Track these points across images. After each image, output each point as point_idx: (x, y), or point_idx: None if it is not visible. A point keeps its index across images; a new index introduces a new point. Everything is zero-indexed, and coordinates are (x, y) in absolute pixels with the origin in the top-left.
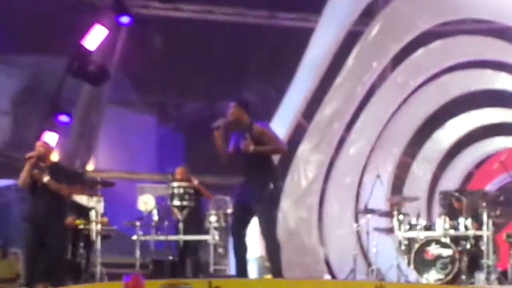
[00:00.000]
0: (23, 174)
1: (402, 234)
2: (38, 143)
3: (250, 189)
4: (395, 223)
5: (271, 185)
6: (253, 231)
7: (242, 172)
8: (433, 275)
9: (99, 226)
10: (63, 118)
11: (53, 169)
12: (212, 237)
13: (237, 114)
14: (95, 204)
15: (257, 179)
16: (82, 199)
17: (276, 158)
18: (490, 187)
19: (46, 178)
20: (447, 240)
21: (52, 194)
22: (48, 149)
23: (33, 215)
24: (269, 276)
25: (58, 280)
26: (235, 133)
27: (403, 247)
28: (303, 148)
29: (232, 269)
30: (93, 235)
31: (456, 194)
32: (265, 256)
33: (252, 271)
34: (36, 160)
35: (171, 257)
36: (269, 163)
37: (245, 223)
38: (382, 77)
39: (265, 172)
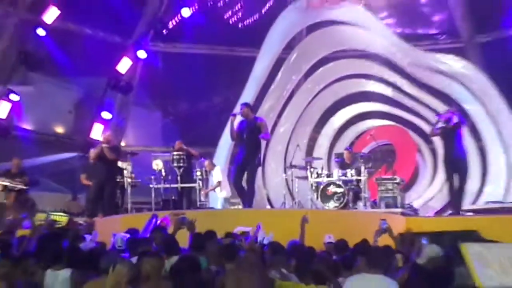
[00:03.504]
0: (95, 152)
1: (312, 180)
2: (105, 134)
3: (247, 156)
4: (308, 173)
5: (259, 156)
6: (225, 180)
7: (242, 144)
8: (332, 204)
9: (129, 180)
10: (106, 114)
11: (112, 148)
12: (198, 185)
13: (246, 112)
14: (126, 166)
15: (251, 150)
16: (119, 163)
17: None
18: (365, 150)
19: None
20: (339, 183)
21: (109, 164)
22: (111, 137)
23: (98, 176)
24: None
25: (107, 213)
26: (241, 121)
27: (313, 188)
28: None
29: (210, 203)
30: (126, 185)
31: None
32: (232, 197)
33: (220, 205)
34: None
35: (173, 197)
36: (259, 143)
37: (241, 176)
38: (298, 85)
39: (256, 148)
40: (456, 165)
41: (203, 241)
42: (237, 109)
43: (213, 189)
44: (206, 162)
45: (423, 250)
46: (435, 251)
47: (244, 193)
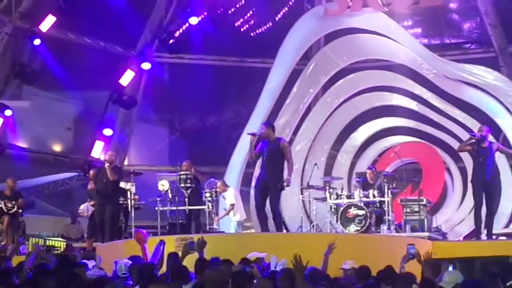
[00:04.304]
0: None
1: (332, 201)
2: (108, 153)
3: (269, 179)
4: (327, 194)
5: (281, 180)
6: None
7: (263, 166)
8: (353, 228)
9: (133, 202)
10: (107, 131)
11: (115, 168)
12: (207, 207)
13: (267, 132)
14: (130, 187)
15: (274, 173)
16: (122, 184)
17: None
18: (388, 169)
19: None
20: (361, 204)
21: (111, 185)
22: (114, 157)
23: (99, 198)
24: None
25: (109, 237)
26: (262, 141)
27: (332, 210)
28: None
29: (220, 227)
30: (129, 207)
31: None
32: (246, 220)
33: (233, 229)
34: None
35: (181, 221)
36: (282, 166)
37: (264, 199)
38: (316, 99)
39: (278, 170)
40: (488, 188)
41: (205, 267)
42: (250, 125)
43: (227, 214)
44: (219, 183)
45: (443, 277)
46: (456, 278)
47: (266, 219)
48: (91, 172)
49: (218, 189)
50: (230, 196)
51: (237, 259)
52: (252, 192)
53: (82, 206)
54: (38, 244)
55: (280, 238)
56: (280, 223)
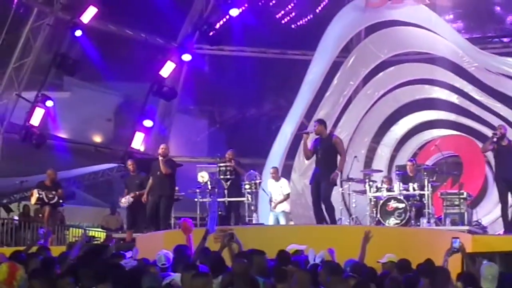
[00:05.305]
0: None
1: (371, 194)
2: (162, 146)
3: (322, 173)
4: (367, 187)
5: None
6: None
7: (318, 163)
8: (392, 221)
9: None
10: (148, 122)
11: (168, 161)
12: (247, 199)
13: (320, 129)
14: None
15: (326, 169)
16: None
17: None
18: (428, 162)
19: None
20: (401, 197)
21: (164, 178)
22: (167, 150)
23: (153, 190)
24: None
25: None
26: (314, 139)
27: (372, 203)
28: None
29: (259, 219)
30: None
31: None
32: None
33: (282, 221)
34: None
35: (220, 212)
36: (336, 161)
37: (319, 193)
38: (356, 91)
39: (333, 166)
40: (510, 185)
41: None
42: (290, 118)
43: (282, 201)
44: (272, 169)
45: (480, 271)
46: (493, 270)
47: (322, 213)
48: (129, 162)
49: (272, 174)
50: (286, 185)
51: (276, 251)
52: (291, 184)
53: (123, 200)
54: (85, 233)
55: (319, 230)
56: (333, 214)
